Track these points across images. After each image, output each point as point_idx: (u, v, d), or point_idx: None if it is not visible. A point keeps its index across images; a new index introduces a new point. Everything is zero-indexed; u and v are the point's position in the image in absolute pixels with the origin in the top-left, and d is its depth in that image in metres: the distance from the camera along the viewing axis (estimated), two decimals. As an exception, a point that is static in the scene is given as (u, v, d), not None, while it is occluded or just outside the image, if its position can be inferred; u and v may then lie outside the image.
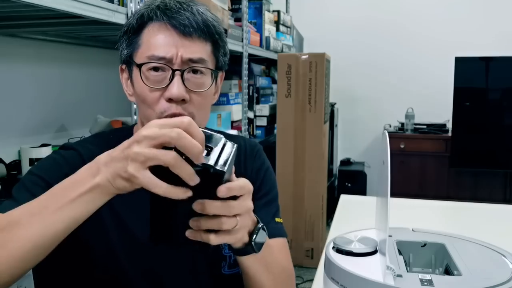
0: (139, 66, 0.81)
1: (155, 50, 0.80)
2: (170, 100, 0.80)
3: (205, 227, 0.62)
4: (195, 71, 0.82)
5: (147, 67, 0.81)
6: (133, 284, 0.84)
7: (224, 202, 0.62)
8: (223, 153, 0.60)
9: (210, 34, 0.83)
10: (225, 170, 0.59)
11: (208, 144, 0.60)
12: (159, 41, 0.80)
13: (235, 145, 0.63)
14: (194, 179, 0.57)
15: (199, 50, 0.82)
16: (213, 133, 0.63)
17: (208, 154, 0.59)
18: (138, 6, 1.44)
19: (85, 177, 0.62)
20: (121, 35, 0.87)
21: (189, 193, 0.58)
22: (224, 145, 0.61)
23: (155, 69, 0.80)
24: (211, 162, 0.58)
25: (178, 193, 0.58)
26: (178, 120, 0.58)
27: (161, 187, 0.57)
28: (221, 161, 0.59)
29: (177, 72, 0.80)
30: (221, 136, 0.62)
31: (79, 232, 0.77)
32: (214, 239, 0.63)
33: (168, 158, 0.56)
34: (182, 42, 0.80)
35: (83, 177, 0.63)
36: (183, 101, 0.80)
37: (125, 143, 0.61)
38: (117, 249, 0.83)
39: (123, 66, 0.89)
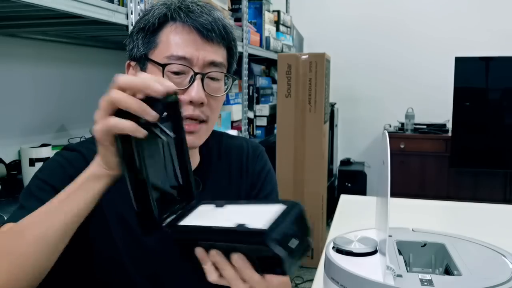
0: (163, 66, 0.80)
1: (174, 50, 0.80)
2: (189, 102, 0.80)
3: (222, 272, 0.58)
4: (212, 78, 0.83)
5: (168, 69, 0.80)
6: (135, 286, 0.84)
7: (263, 279, 0.57)
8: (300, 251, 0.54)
9: (228, 40, 0.85)
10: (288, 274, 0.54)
11: (296, 234, 0.54)
12: (180, 41, 0.80)
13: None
14: (148, 112, 0.57)
15: (218, 54, 0.83)
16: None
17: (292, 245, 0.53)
18: (138, 6, 1.44)
19: (81, 174, 0.66)
20: (135, 32, 0.85)
21: (152, 117, 0.58)
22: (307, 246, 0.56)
23: (176, 73, 0.80)
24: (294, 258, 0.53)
25: (136, 130, 0.57)
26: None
27: (122, 123, 0.57)
28: (293, 265, 0.53)
29: (198, 76, 0.80)
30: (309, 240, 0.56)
31: (85, 236, 0.77)
32: (214, 279, 0.59)
33: (115, 94, 0.57)
34: (203, 46, 0.81)
35: (80, 175, 0.67)
36: (201, 104, 0.81)
37: None
38: (121, 251, 0.83)
39: (132, 63, 0.87)
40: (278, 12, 3.49)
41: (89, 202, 0.65)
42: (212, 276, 0.59)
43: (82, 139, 0.98)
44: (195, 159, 0.92)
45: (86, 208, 0.65)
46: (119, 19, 1.35)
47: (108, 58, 2.14)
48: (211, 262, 0.58)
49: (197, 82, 0.80)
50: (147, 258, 0.84)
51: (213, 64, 0.82)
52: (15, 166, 1.55)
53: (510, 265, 0.65)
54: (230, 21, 0.87)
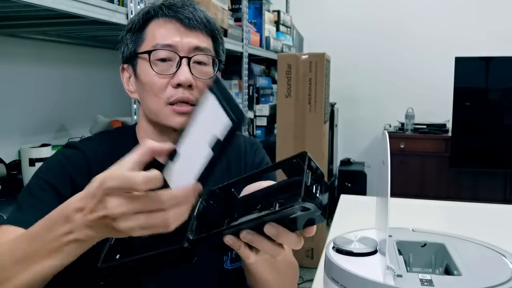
0: (148, 53, 0.84)
1: (159, 40, 0.84)
2: (178, 85, 0.84)
3: (259, 247, 0.57)
4: (199, 62, 0.86)
5: (155, 57, 0.84)
6: (138, 285, 0.84)
7: (299, 236, 0.57)
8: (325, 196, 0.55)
9: (211, 29, 0.89)
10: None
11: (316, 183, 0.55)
12: (164, 32, 0.85)
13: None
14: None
15: (203, 41, 0.87)
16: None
17: (316, 191, 0.54)
18: (139, 6, 1.44)
19: (60, 230, 0.57)
20: (123, 34, 0.90)
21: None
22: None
23: (162, 60, 0.84)
24: (322, 201, 0.53)
25: None
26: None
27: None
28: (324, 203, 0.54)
29: (184, 59, 0.84)
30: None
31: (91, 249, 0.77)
32: (253, 258, 0.58)
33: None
34: (186, 33, 0.85)
35: (58, 229, 0.58)
36: (189, 86, 0.84)
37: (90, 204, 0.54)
38: None
39: (125, 66, 0.91)
40: (278, 12, 3.49)
41: (74, 258, 0.60)
42: (250, 257, 0.58)
43: (87, 137, 1.00)
44: None
45: (71, 261, 0.60)
46: (119, 19, 1.35)
47: (108, 58, 2.14)
48: (243, 244, 0.57)
49: (184, 65, 0.84)
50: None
51: (198, 49, 0.85)
52: (15, 166, 1.55)
53: (510, 265, 0.65)
54: (210, 14, 0.92)
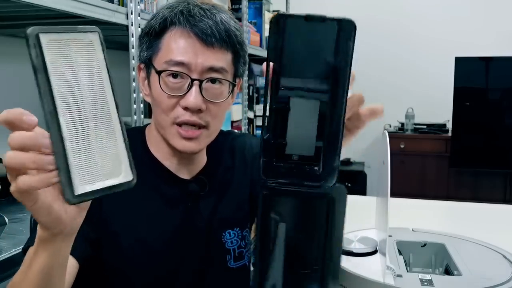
0: (158, 73, 0.80)
1: (173, 55, 0.80)
2: (186, 108, 0.80)
3: None
4: (213, 81, 0.81)
5: (166, 73, 0.80)
6: (143, 284, 0.84)
7: None
8: None
9: (232, 44, 0.83)
10: None
11: None
12: (179, 47, 0.80)
13: None
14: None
15: (220, 59, 0.81)
16: None
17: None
18: (139, 6, 1.44)
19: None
20: (142, 36, 0.86)
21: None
22: None
23: (174, 75, 0.80)
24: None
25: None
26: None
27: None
28: None
29: (196, 82, 0.79)
30: None
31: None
32: None
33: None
34: (202, 51, 0.80)
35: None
36: (199, 110, 0.80)
37: None
38: (126, 251, 0.83)
39: (142, 66, 0.88)
40: (278, 12, 3.49)
41: (60, 263, 0.56)
42: None
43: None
44: (202, 159, 0.93)
45: (53, 265, 0.56)
46: (119, 19, 1.35)
47: (108, 58, 2.13)
48: None
49: (194, 88, 0.79)
50: (152, 254, 0.85)
51: (212, 69, 0.80)
52: (15, 166, 1.55)
53: (510, 265, 0.65)
54: (236, 24, 0.85)
